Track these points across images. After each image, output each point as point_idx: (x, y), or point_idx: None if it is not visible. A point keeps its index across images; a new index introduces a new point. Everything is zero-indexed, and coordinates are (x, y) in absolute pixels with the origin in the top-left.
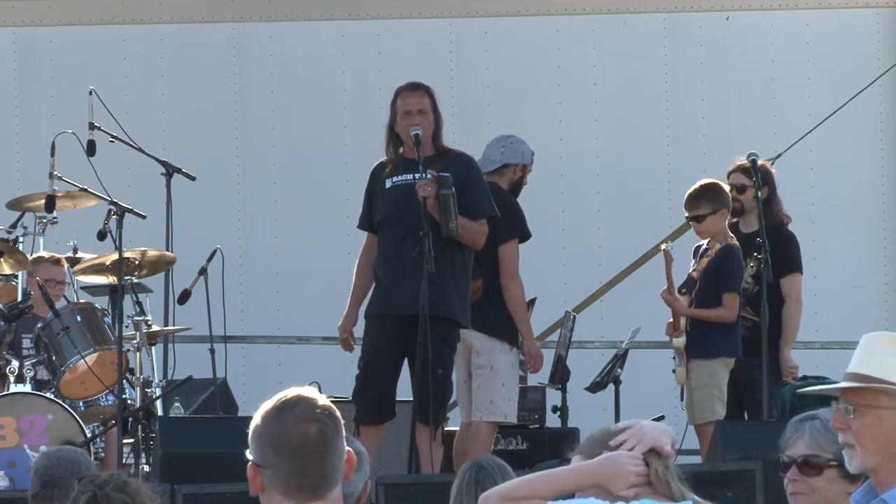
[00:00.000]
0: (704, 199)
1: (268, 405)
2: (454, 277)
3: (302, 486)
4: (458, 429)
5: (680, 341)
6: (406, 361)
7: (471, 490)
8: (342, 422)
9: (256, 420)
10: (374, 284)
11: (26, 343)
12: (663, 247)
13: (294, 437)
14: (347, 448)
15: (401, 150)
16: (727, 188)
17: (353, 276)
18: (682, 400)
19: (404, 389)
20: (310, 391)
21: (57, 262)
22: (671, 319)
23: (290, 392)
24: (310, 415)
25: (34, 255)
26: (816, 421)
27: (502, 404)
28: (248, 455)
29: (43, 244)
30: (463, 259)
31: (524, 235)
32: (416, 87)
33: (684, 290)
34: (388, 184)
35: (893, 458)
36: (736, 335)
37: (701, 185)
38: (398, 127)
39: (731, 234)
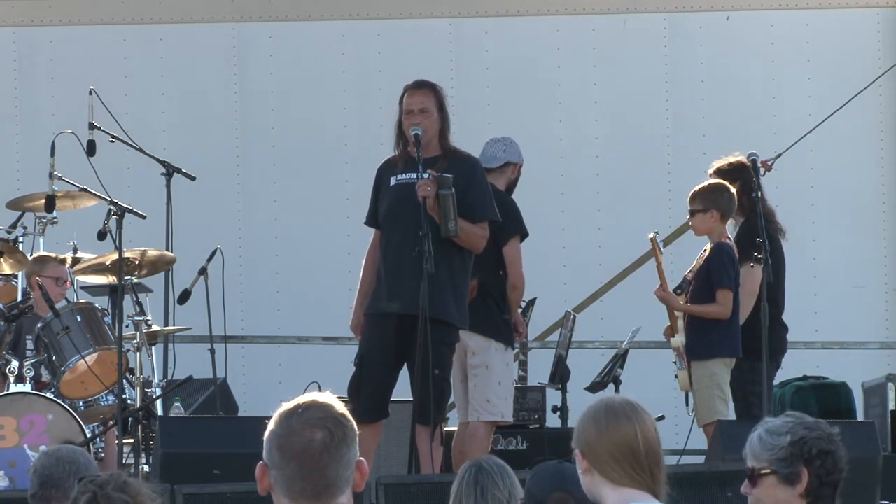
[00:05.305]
0: (699, 197)
1: (283, 407)
2: (452, 279)
3: (303, 491)
4: (456, 429)
5: (677, 341)
6: (405, 361)
7: (470, 490)
8: (355, 431)
9: (272, 422)
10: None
11: (30, 345)
12: (650, 236)
13: (298, 442)
14: (359, 458)
15: (408, 148)
16: (732, 192)
17: (361, 273)
18: (687, 405)
19: (404, 390)
20: (327, 397)
21: (63, 261)
22: (669, 323)
23: (308, 397)
24: (317, 421)
25: (37, 255)
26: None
27: (499, 403)
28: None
29: (43, 244)
30: (462, 261)
31: (523, 234)
32: (420, 86)
33: (680, 291)
34: (393, 181)
35: None
36: (734, 334)
37: (705, 183)
38: (403, 125)
39: (728, 236)
